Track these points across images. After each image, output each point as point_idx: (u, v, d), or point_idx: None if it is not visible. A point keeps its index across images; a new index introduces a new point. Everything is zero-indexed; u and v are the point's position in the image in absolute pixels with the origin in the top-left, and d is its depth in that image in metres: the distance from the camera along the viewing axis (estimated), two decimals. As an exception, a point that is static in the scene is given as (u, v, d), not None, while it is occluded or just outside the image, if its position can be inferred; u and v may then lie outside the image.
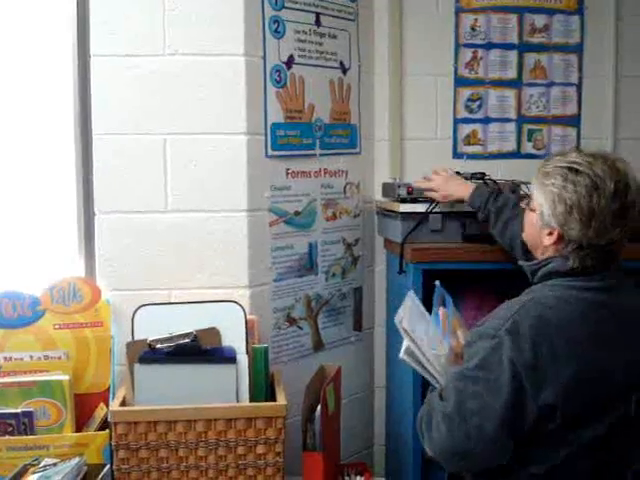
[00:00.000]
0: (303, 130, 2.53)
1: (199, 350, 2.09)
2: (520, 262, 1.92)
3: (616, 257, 1.75)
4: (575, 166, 1.71)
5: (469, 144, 2.94)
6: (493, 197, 2.27)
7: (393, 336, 2.77)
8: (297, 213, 2.53)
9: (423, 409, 1.80)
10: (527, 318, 1.65)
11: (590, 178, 1.68)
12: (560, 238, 1.74)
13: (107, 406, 2.17)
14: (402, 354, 1.87)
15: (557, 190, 1.71)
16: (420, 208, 2.44)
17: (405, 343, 1.86)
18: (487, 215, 2.28)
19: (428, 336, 1.87)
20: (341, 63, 2.67)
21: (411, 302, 2.01)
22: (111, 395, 2.20)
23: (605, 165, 1.70)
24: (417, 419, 1.80)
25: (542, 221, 1.77)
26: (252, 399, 2.11)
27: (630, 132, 2.99)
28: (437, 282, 1.99)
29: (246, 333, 2.16)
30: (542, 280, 1.78)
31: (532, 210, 1.82)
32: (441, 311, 1.93)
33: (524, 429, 1.64)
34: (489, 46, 2.92)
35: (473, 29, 2.90)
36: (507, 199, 2.26)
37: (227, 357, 2.09)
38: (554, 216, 1.73)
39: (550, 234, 1.76)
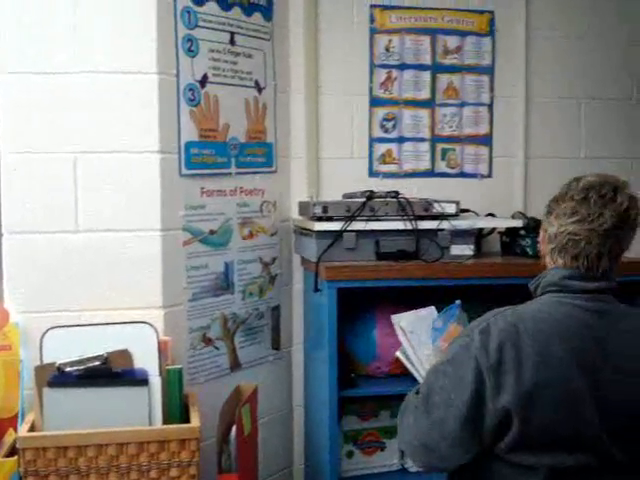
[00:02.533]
0: (218, 149, 2.52)
1: (110, 373, 2.05)
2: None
3: (594, 268, 1.71)
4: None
5: (384, 163, 2.98)
6: None
7: (311, 354, 2.78)
8: (212, 232, 2.52)
9: (401, 406, 1.86)
10: (501, 322, 1.68)
11: (574, 180, 1.75)
12: (544, 234, 1.79)
13: (16, 432, 2.10)
14: (398, 352, 2.10)
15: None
16: (335, 226, 2.45)
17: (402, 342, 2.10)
18: None
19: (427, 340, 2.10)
20: (256, 82, 2.68)
21: (426, 313, 2.20)
22: (20, 420, 2.13)
23: (601, 175, 1.75)
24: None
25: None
26: (166, 421, 2.08)
27: (540, 151, 3.09)
28: (457, 301, 2.20)
29: (159, 354, 2.13)
30: (541, 294, 1.78)
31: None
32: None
33: (485, 432, 1.65)
34: (403, 67, 2.97)
35: (387, 50, 2.95)
36: None
37: (138, 379, 2.05)
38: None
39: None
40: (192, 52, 2.42)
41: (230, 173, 2.58)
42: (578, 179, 1.75)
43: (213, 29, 2.50)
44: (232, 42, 2.57)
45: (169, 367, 2.18)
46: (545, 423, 1.62)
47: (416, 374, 2.07)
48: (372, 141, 2.97)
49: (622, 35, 3.13)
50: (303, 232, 2.65)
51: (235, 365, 2.64)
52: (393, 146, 2.98)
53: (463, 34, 3.02)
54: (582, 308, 1.69)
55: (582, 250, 1.70)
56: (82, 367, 2.03)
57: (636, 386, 1.66)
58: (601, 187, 1.70)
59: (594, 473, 1.65)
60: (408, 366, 2.09)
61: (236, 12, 2.58)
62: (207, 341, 2.52)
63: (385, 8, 2.94)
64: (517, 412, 1.60)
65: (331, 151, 2.93)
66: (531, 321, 1.67)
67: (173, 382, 2.16)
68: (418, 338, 2.11)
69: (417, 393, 1.79)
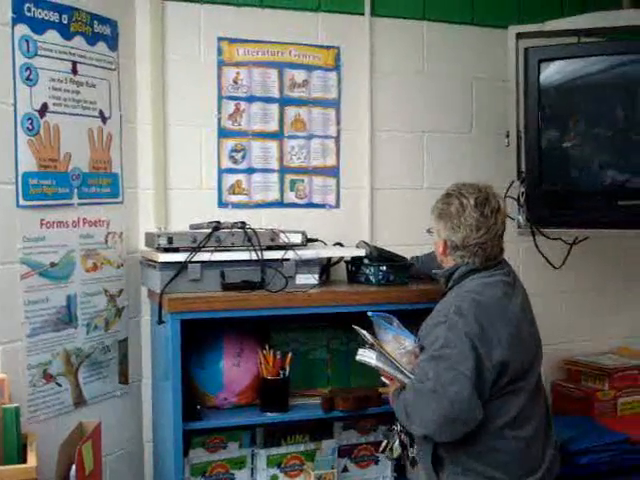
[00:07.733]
0: (59, 179, 2.46)
1: (-62, 414, 1.96)
2: (434, 271, 2.45)
3: (495, 255, 2.28)
4: (449, 192, 2.30)
5: (234, 193, 3.00)
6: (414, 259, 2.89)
7: (158, 387, 2.74)
8: (53, 264, 2.45)
9: (397, 408, 2.19)
10: (465, 301, 2.16)
11: (457, 198, 2.25)
12: (445, 246, 2.28)
13: None
14: (375, 361, 2.19)
15: (438, 211, 2.30)
16: (180, 257, 2.44)
17: (373, 352, 2.21)
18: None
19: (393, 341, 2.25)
20: (101, 112, 2.64)
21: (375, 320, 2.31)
22: None
23: (470, 187, 2.27)
24: (398, 419, 2.22)
25: (436, 238, 2.32)
26: (2, 462, 2.02)
27: (385, 182, 3.19)
28: (370, 313, 2.31)
29: (-8, 393, 2.05)
30: (459, 281, 2.27)
31: (432, 233, 2.36)
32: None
33: (486, 388, 2.08)
34: (251, 99, 3.01)
35: (236, 82, 2.98)
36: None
37: (-30, 420, 1.97)
38: (439, 230, 2.29)
39: (440, 245, 2.30)
40: (31, 81, 2.36)
41: (72, 204, 2.52)
42: (460, 195, 2.25)
43: (54, 58, 2.45)
44: (74, 71, 2.53)
45: (5, 406, 2.11)
46: (521, 360, 2.16)
47: (400, 375, 2.19)
48: (221, 172, 2.98)
49: (460, 71, 3.29)
50: (149, 263, 2.62)
51: (80, 401, 2.57)
52: (242, 177, 3.01)
53: (310, 68, 3.09)
54: (502, 276, 2.26)
55: (477, 251, 2.24)
56: None
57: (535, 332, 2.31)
58: (487, 202, 2.23)
59: (533, 392, 2.23)
60: (390, 370, 2.20)
61: (79, 41, 2.54)
62: (48, 377, 2.44)
63: (233, 41, 2.97)
64: (509, 359, 2.11)
65: (180, 182, 2.92)
66: (482, 294, 2.18)
67: (9, 421, 2.10)
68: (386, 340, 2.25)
69: (420, 382, 2.10)
